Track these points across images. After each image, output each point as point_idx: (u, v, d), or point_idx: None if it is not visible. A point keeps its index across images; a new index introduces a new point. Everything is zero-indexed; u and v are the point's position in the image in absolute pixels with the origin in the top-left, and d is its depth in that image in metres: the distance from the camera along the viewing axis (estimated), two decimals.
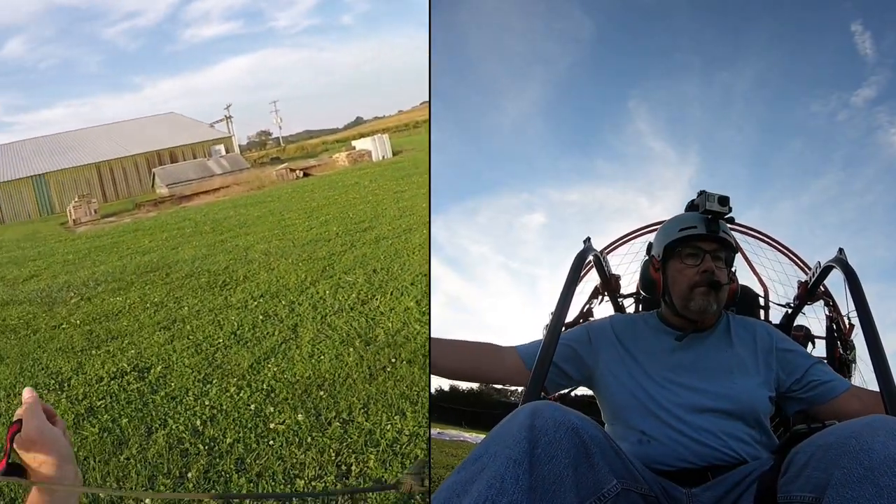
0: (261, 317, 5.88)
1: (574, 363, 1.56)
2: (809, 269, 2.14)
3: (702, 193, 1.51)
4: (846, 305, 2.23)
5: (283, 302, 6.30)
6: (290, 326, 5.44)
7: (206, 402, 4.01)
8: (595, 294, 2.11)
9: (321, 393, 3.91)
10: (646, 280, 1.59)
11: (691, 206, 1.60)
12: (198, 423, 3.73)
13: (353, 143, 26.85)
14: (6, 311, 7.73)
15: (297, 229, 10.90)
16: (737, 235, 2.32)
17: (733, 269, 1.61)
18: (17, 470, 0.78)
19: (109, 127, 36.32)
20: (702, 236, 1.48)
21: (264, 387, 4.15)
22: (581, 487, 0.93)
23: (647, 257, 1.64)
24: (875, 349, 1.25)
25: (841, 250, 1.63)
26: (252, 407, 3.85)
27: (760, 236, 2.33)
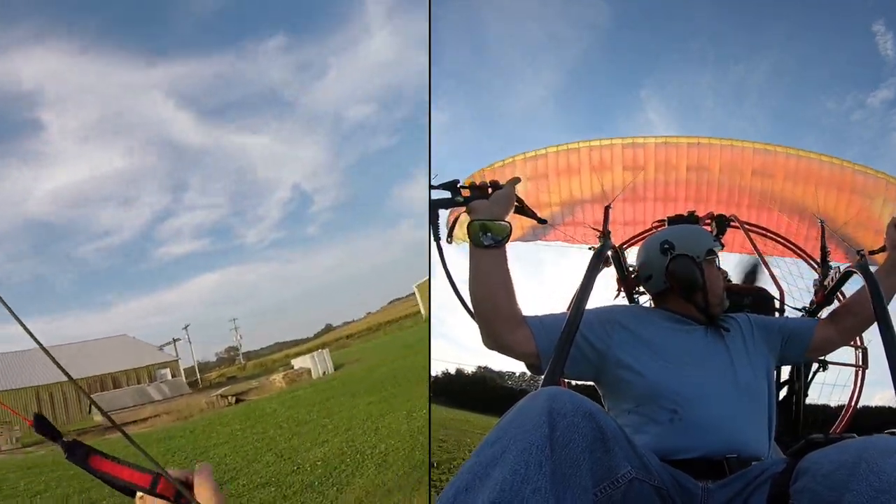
0: None
1: (586, 346, 1.55)
2: (818, 266, 2.14)
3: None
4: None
5: None
6: None
7: None
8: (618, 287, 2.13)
9: None
10: (688, 276, 1.62)
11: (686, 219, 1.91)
12: None
13: (293, 360, 24.05)
14: None
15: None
16: (754, 236, 2.32)
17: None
18: None
19: (58, 349, 32.69)
20: (719, 249, 1.74)
21: None
22: (596, 472, 0.94)
23: (675, 253, 1.66)
24: (893, 355, 1.25)
25: (862, 255, 1.63)
26: None
27: (775, 236, 2.33)
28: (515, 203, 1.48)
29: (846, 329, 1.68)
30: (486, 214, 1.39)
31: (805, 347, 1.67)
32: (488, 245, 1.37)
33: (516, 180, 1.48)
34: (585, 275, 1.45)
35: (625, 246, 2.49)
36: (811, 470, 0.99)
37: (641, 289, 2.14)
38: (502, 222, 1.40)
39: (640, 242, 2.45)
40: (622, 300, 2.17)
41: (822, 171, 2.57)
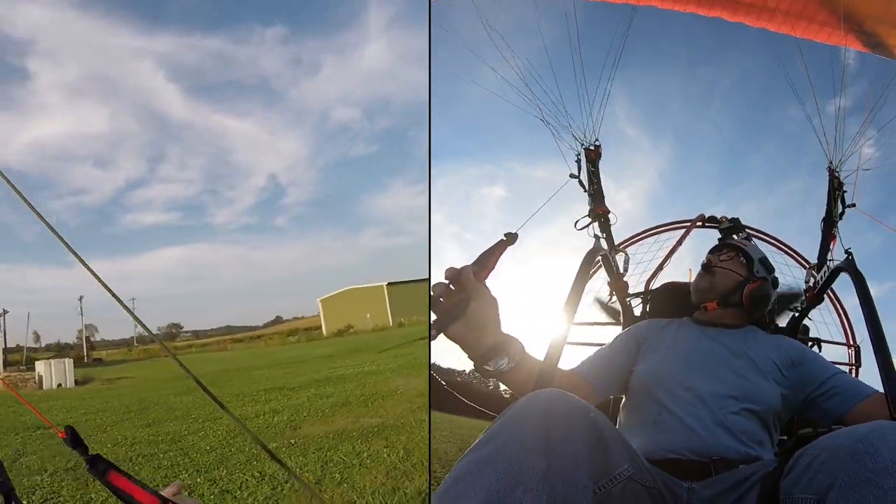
0: None
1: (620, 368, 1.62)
2: (807, 266, 2.15)
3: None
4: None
5: None
6: None
7: None
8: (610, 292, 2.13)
9: None
10: (733, 285, 1.68)
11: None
12: None
13: (37, 363, 18.47)
14: None
15: None
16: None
17: None
18: None
19: None
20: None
21: None
22: (594, 470, 0.94)
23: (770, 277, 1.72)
24: (881, 352, 1.26)
25: (849, 253, 1.64)
26: None
27: (769, 239, 2.34)
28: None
29: None
30: (476, 349, 1.20)
31: (840, 413, 1.41)
32: (502, 371, 1.22)
33: (495, 260, 1.21)
34: (576, 279, 1.45)
35: (623, 246, 2.49)
36: (802, 460, 0.98)
37: (633, 292, 2.15)
38: (503, 343, 1.20)
39: (639, 242, 2.47)
40: (613, 302, 2.17)
41: None
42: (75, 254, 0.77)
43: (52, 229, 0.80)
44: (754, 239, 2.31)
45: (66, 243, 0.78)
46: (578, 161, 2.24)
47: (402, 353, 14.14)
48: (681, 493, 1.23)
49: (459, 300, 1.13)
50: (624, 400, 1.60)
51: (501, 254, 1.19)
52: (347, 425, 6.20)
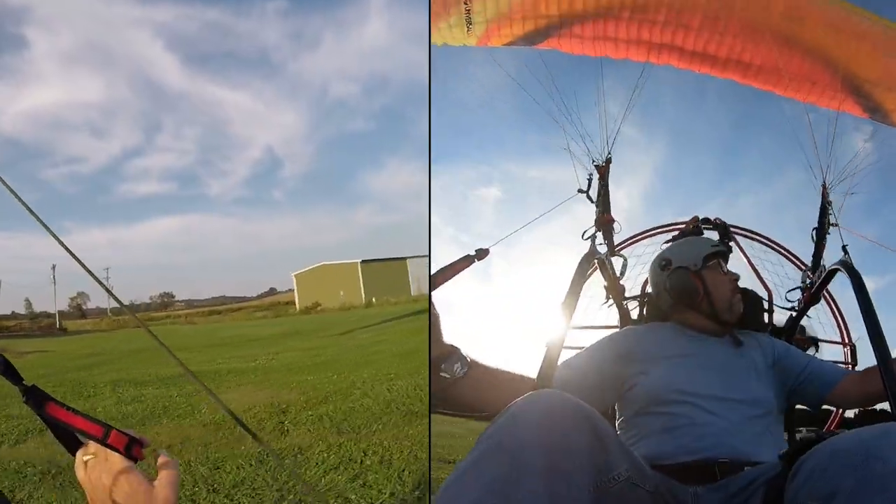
0: None
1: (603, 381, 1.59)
2: (804, 267, 2.16)
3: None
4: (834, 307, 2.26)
5: None
6: None
7: None
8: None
9: None
10: (683, 287, 1.67)
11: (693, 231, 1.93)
12: None
13: None
14: None
15: None
16: (740, 239, 2.34)
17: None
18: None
19: None
20: (724, 253, 1.75)
21: None
22: (594, 469, 0.93)
23: (672, 268, 1.73)
24: (881, 351, 1.25)
25: (845, 251, 1.65)
26: None
27: (763, 240, 2.35)
28: None
29: (873, 394, 1.48)
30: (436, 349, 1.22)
31: (823, 395, 1.58)
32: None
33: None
34: (572, 282, 1.45)
35: (619, 249, 2.49)
36: (806, 465, 0.96)
37: (629, 295, 2.15)
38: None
39: (633, 245, 2.47)
40: (611, 308, 2.16)
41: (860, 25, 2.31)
42: (44, 225, 0.76)
43: (20, 199, 0.78)
44: (746, 240, 2.33)
45: (35, 215, 0.77)
46: (590, 179, 2.29)
47: (346, 341, 12.94)
48: (685, 497, 1.22)
49: None
50: (623, 412, 1.59)
51: (464, 268, 1.24)
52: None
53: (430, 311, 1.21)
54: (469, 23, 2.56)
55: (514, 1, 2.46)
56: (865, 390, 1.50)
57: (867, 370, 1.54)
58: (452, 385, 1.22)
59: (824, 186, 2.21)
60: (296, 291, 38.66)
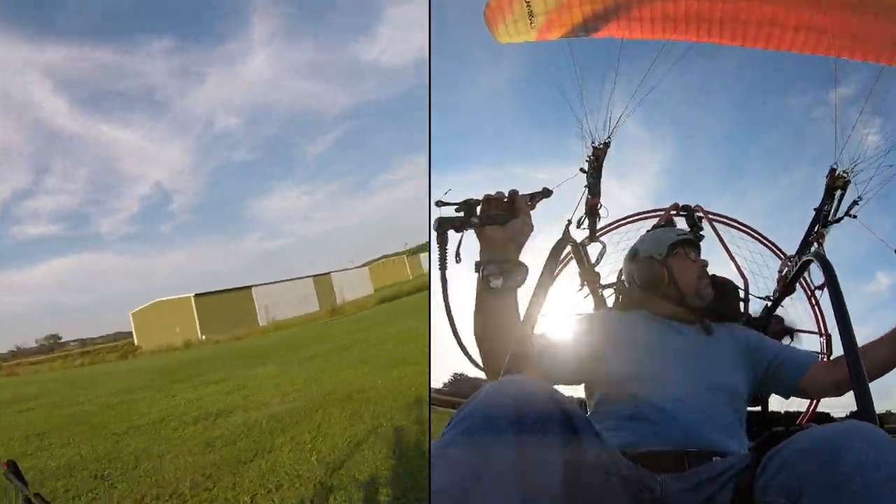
0: None
1: (578, 347, 1.59)
2: (783, 256, 2.16)
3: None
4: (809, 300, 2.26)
5: None
6: None
7: None
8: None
9: None
10: (649, 275, 1.70)
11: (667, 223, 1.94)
12: None
13: None
14: None
15: None
16: (716, 225, 2.33)
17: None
18: None
19: None
20: (691, 241, 1.76)
21: None
22: (565, 455, 0.93)
23: (639, 258, 1.75)
24: (849, 344, 1.25)
25: (820, 244, 1.64)
26: None
27: (740, 226, 2.33)
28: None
29: (842, 382, 1.51)
30: (500, 253, 1.23)
31: (793, 383, 1.60)
32: (501, 288, 1.23)
33: (534, 204, 1.28)
34: (543, 270, 1.42)
35: (598, 235, 2.48)
36: (774, 462, 0.98)
37: (605, 282, 2.14)
38: (519, 264, 1.25)
39: (612, 232, 2.46)
40: (587, 295, 2.15)
41: None
42: None
43: None
44: (724, 226, 2.31)
45: None
46: (589, 159, 2.27)
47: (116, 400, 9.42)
48: (653, 486, 1.21)
49: (506, 211, 1.25)
50: (594, 395, 1.59)
51: (539, 201, 1.27)
52: None
53: (428, 306, 1.24)
54: (531, 15, 2.55)
55: None
56: (833, 378, 1.54)
57: (836, 359, 1.60)
58: (495, 291, 1.23)
59: (833, 171, 2.20)
60: (133, 331, 34.75)
